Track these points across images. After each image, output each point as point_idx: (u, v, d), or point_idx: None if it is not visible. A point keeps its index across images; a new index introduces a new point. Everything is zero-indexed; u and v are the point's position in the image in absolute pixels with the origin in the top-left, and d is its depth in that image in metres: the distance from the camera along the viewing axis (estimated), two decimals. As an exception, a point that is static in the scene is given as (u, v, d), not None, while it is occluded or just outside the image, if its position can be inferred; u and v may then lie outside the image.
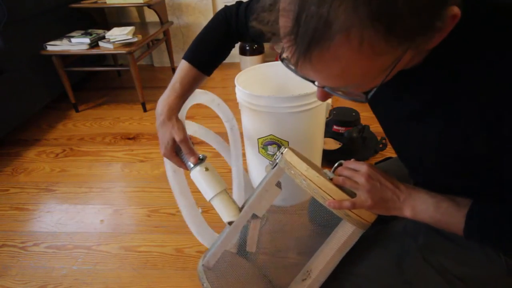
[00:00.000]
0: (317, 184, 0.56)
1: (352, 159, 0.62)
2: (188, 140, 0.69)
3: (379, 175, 0.56)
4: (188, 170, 0.71)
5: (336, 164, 0.65)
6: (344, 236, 0.59)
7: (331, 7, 0.30)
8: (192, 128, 0.95)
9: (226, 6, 0.74)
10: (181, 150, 0.71)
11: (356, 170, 0.58)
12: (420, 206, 0.52)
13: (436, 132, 0.46)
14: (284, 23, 0.34)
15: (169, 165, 0.81)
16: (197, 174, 0.68)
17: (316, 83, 0.41)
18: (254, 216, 0.66)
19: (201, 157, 0.69)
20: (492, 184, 0.47)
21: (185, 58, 0.72)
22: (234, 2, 0.74)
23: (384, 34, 0.31)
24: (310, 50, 0.33)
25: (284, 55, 0.39)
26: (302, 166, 0.58)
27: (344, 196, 0.55)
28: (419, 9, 0.30)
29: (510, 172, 0.43)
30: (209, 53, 0.74)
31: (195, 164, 0.68)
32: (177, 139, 0.68)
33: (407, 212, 0.54)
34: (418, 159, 0.55)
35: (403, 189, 0.55)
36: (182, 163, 0.71)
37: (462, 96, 0.41)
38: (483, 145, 0.41)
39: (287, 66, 0.41)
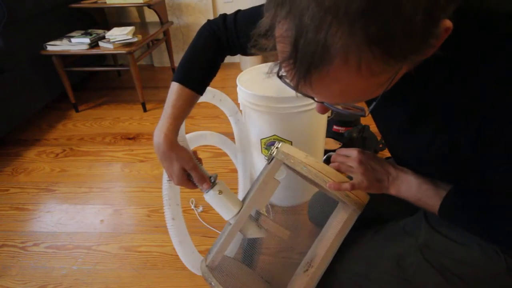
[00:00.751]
0: (317, 169, 0.59)
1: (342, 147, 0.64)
2: (197, 167, 0.67)
3: (368, 159, 0.61)
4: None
5: (324, 157, 0.67)
6: (342, 219, 0.62)
7: (328, 33, 0.30)
8: (198, 141, 0.93)
9: (208, 20, 0.72)
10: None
11: (347, 156, 0.63)
12: (405, 186, 0.58)
13: (428, 136, 0.47)
14: (283, 48, 0.35)
15: (168, 212, 0.79)
16: (212, 199, 0.68)
17: (315, 98, 0.42)
18: (257, 214, 0.66)
19: (212, 180, 0.68)
20: (481, 184, 0.48)
21: (175, 80, 0.68)
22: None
23: (381, 56, 0.31)
24: (309, 74, 0.34)
25: (282, 73, 0.40)
26: (300, 155, 0.61)
27: (343, 178, 0.59)
28: (414, 31, 0.31)
29: (487, 169, 0.44)
30: (201, 70, 0.70)
31: (208, 189, 0.68)
32: (187, 168, 0.66)
33: (393, 191, 0.59)
34: (413, 162, 0.57)
35: (392, 170, 0.60)
36: (195, 186, 0.70)
37: (452, 100, 0.42)
38: (469, 147, 0.42)
39: (285, 83, 0.41)
